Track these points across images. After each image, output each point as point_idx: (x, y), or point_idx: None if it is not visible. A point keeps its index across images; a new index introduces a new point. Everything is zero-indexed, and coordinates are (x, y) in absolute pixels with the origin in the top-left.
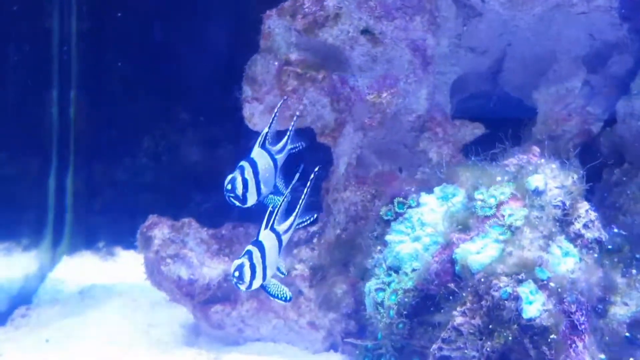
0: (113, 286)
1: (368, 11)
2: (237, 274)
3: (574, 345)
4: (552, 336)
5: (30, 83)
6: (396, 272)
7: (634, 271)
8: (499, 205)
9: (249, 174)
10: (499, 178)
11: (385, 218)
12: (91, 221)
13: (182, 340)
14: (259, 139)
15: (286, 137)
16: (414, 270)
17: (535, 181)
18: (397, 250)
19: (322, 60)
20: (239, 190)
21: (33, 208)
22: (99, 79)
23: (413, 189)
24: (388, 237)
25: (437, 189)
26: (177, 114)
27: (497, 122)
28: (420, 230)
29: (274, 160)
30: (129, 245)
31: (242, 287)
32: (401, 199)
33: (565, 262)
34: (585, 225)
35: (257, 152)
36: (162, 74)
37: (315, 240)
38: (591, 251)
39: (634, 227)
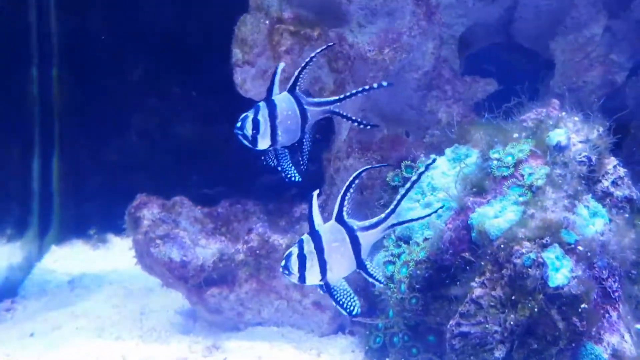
0: (104, 275)
1: None
2: (283, 262)
3: (607, 315)
4: (582, 305)
5: (6, 60)
6: (406, 242)
7: None
8: (517, 164)
9: (263, 115)
10: (515, 135)
11: (393, 184)
12: (80, 207)
13: (177, 328)
14: (292, 80)
15: (336, 97)
16: (425, 239)
17: (557, 136)
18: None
19: (317, 17)
20: (248, 129)
21: (16, 195)
22: (82, 53)
23: (422, 153)
24: None
25: (448, 151)
26: (168, 87)
27: (510, 77)
28: (431, 196)
29: (303, 110)
30: (122, 231)
31: (293, 279)
32: (409, 163)
33: (594, 223)
34: (613, 183)
35: (281, 96)
36: (149, 45)
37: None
38: (621, 211)
39: None
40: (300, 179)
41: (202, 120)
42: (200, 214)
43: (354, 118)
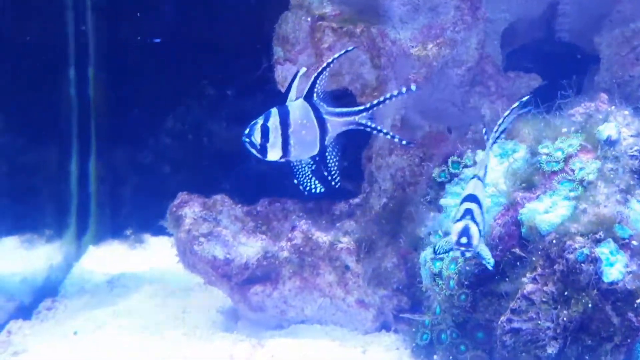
0: (143, 274)
1: None
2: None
3: None
4: (638, 301)
5: (43, 61)
6: None
7: None
8: (567, 158)
9: (273, 123)
10: (564, 129)
11: (439, 180)
12: (117, 208)
13: (219, 326)
14: (307, 86)
15: (361, 107)
16: None
17: (607, 130)
18: (453, 214)
19: (359, 13)
20: (256, 138)
21: (55, 197)
22: (118, 54)
23: (468, 148)
24: (443, 201)
25: (495, 146)
26: (203, 88)
27: (553, 72)
28: None
29: (321, 120)
30: (158, 231)
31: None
32: (456, 158)
33: None
34: None
35: (296, 103)
36: (184, 46)
37: (358, 212)
38: None
39: None
40: (322, 190)
41: (236, 120)
42: (240, 213)
43: (385, 131)
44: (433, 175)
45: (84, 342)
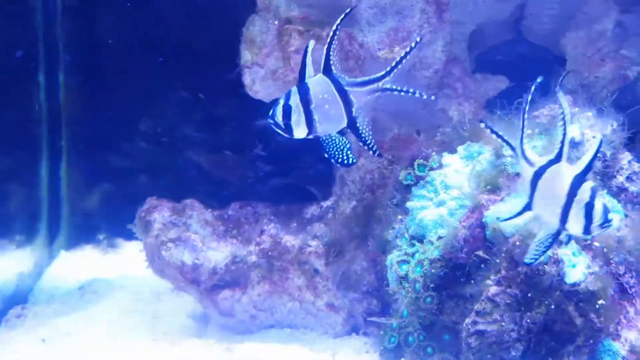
0: (115, 280)
1: None
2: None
3: (624, 311)
4: (600, 302)
5: (13, 67)
6: (420, 241)
7: None
8: None
9: (294, 100)
10: (529, 131)
11: (405, 183)
12: (89, 212)
13: (190, 332)
14: (323, 60)
15: (382, 73)
16: (439, 238)
17: (571, 132)
18: (420, 217)
19: (326, 16)
20: (279, 117)
21: (25, 202)
22: (89, 59)
23: (427, 152)
24: (409, 204)
25: (460, 148)
26: (176, 92)
27: (521, 74)
28: (445, 194)
29: (343, 92)
30: (132, 236)
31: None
32: (422, 161)
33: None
34: (628, 178)
35: (316, 78)
36: (156, 49)
37: (329, 215)
38: (637, 206)
39: None
40: (355, 160)
41: (209, 124)
42: (210, 217)
43: (412, 90)
44: (399, 178)
45: (53, 350)
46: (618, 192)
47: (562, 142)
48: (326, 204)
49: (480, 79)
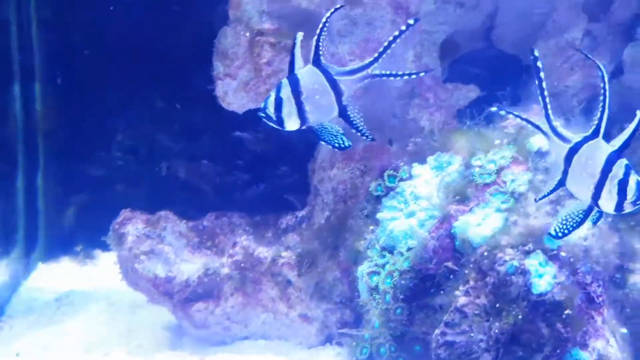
0: (91, 291)
1: None
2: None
3: (591, 320)
4: (566, 312)
5: None
6: (390, 252)
7: None
8: (500, 170)
9: (285, 92)
10: (497, 141)
11: (376, 194)
12: (67, 224)
13: (164, 344)
14: (312, 51)
15: (369, 60)
16: (409, 249)
17: (538, 141)
18: (390, 229)
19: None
20: (270, 110)
21: (1, 214)
22: (65, 69)
23: (404, 161)
24: (380, 215)
25: (430, 159)
26: (152, 101)
27: (493, 83)
28: (415, 205)
29: (333, 82)
30: (109, 246)
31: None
32: (392, 172)
33: None
34: None
35: (305, 69)
36: (132, 59)
37: (304, 225)
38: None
39: None
40: (350, 144)
41: (187, 133)
42: (185, 228)
43: (400, 73)
44: (370, 189)
45: None
46: None
47: (600, 119)
48: (301, 213)
49: (452, 88)
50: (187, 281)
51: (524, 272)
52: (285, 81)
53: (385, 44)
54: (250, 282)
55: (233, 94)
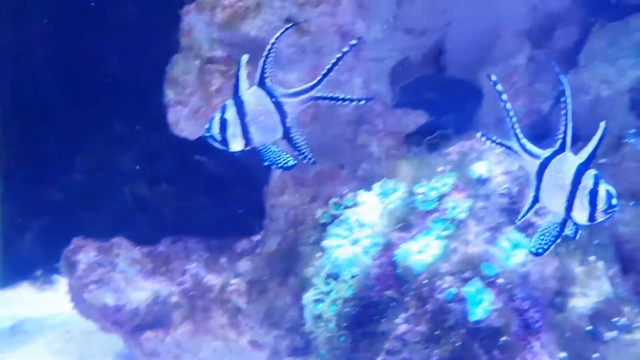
0: (47, 318)
1: None
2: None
3: (529, 346)
4: (503, 338)
5: None
6: (335, 279)
7: (592, 258)
8: (441, 197)
9: (230, 113)
10: (440, 168)
11: (322, 221)
12: (26, 249)
13: None
14: (258, 72)
15: (313, 82)
16: (353, 276)
17: (479, 168)
18: (335, 256)
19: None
20: (215, 131)
21: None
22: (24, 93)
23: (347, 189)
24: (325, 242)
25: (376, 185)
26: (111, 124)
27: (443, 108)
28: (359, 232)
29: (277, 104)
30: None
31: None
32: (337, 200)
33: (515, 254)
34: (536, 212)
35: (250, 91)
36: (92, 82)
37: (258, 250)
38: None
39: None
40: (295, 163)
41: (147, 157)
42: (139, 254)
43: (342, 96)
44: (316, 216)
45: None
46: (526, 227)
47: (565, 132)
48: (257, 238)
49: (400, 113)
50: (136, 310)
51: (462, 300)
52: (230, 102)
53: (328, 66)
54: (200, 309)
55: (184, 121)
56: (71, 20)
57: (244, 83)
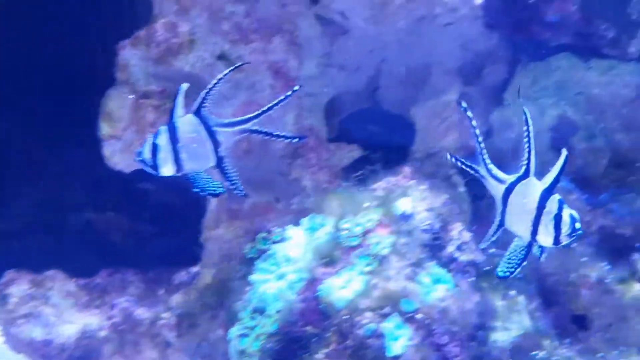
0: None
1: (222, 35)
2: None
3: None
4: None
5: None
6: (261, 314)
7: (513, 292)
8: (366, 233)
9: (163, 139)
10: (366, 204)
11: (249, 256)
12: None
13: None
14: (197, 101)
15: (251, 115)
16: (278, 311)
17: (403, 205)
18: (261, 291)
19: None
20: (146, 155)
21: None
22: None
23: (282, 223)
24: (252, 277)
25: (304, 220)
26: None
27: (376, 142)
28: (286, 267)
29: (211, 132)
30: None
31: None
32: (264, 234)
33: (436, 289)
34: (458, 248)
35: (185, 118)
36: (26, 113)
37: (193, 282)
38: (467, 275)
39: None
40: (223, 190)
41: (92, 185)
42: (74, 287)
43: (276, 133)
44: (244, 251)
45: None
46: (448, 262)
47: (529, 159)
48: (194, 270)
49: (334, 148)
50: (63, 345)
51: (380, 335)
52: (163, 128)
53: (269, 105)
54: (129, 343)
55: (119, 155)
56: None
57: (180, 110)
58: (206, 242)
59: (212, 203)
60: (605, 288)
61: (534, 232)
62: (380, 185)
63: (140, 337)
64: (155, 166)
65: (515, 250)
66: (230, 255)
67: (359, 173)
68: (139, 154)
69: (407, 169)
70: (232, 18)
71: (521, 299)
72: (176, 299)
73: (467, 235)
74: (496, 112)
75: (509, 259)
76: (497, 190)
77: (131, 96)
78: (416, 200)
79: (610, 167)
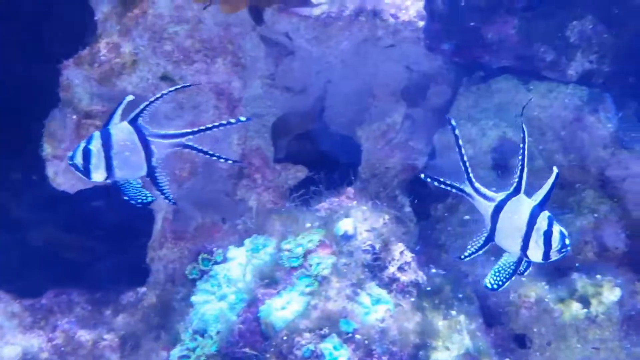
0: None
1: (165, 56)
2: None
3: None
4: None
5: None
6: (202, 335)
7: (454, 312)
8: (307, 254)
9: (96, 145)
10: (308, 224)
11: (191, 277)
12: None
13: None
14: (135, 111)
15: (188, 130)
16: (218, 332)
17: (344, 225)
18: (202, 312)
19: (126, 111)
20: (78, 159)
21: None
22: None
23: (227, 243)
24: (193, 298)
25: (247, 241)
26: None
27: (322, 163)
28: (227, 288)
29: (145, 142)
30: None
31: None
32: (206, 255)
33: (376, 310)
34: (400, 268)
35: (120, 126)
36: None
37: (139, 303)
38: (408, 295)
39: (454, 265)
40: (153, 199)
41: (43, 204)
42: (19, 308)
43: (211, 153)
44: (186, 272)
45: None
46: (389, 283)
47: (520, 177)
48: (142, 290)
49: (280, 169)
50: None
51: (319, 356)
52: (97, 134)
53: (210, 125)
54: None
55: (62, 175)
56: None
57: (117, 118)
58: (151, 263)
59: (158, 223)
60: (545, 307)
61: (525, 248)
62: (323, 206)
63: (82, 359)
64: (86, 172)
65: (505, 264)
66: (174, 275)
67: (302, 193)
68: (71, 157)
69: (350, 190)
70: (175, 39)
71: (462, 318)
72: (121, 319)
73: (409, 256)
74: (437, 135)
75: (498, 272)
76: (485, 208)
77: (74, 116)
78: (358, 220)
79: None
